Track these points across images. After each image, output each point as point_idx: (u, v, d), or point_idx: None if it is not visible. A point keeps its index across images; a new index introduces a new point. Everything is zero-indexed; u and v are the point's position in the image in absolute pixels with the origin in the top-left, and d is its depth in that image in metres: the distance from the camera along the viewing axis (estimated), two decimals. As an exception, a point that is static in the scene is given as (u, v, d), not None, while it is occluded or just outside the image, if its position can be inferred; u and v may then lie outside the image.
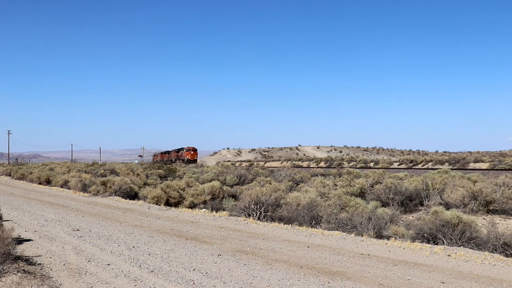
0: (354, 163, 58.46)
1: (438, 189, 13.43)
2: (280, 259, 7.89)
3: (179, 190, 16.91)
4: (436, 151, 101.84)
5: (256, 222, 12.03)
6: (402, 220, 11.56)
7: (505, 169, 30.20)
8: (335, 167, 37.15)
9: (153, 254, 8.15)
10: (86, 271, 6.91)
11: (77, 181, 23.74)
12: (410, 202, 13.05)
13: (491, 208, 11.69)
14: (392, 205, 12.50)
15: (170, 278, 6.59)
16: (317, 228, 11.18)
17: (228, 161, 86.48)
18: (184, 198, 16.22)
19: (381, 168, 37.85)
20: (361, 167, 44.95)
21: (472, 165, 42.24)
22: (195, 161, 71.70)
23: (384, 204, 12.50)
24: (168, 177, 25.45)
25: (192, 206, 15.60)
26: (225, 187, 17.93)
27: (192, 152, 73.00)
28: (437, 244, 9.08)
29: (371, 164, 55.09)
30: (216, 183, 17.51)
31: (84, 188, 22.73)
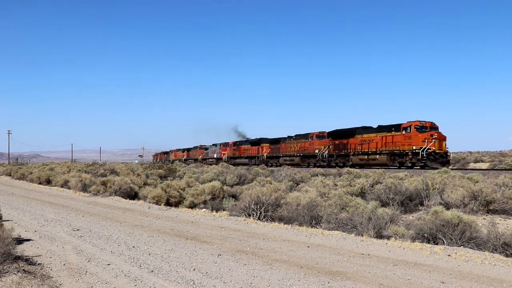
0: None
1: (438, 189, 13.42)
2: (280, 259, 7.88)
3: (179, 190, 16.90)
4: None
5: (256, 222, 12.03)
6: (402, 220, 11.56)
7: (505, 169, 30.13)
8: (335, 167, 37.02)
9: (153, 254, 8.15)
10: (86, 271, 6.90)
11: (77, 181, 23.74)
12: (410, 202, 13.04)
13: (491, 208, 11.68)
14: (392, 205, 12.49)
15: (170, 278, 6.59)
16: (317, 228, 11.18)
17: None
18: (184, 198, 16.22)
19: (381, 168, 37.61)
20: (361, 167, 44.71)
21: (472, 165, 42.14)
22: (446, 158, 28.48)
23: (384, 204, 12.49)
24: (168, 177, 25.45)
25: (192, 206, 15.60)
26: (225, 187, 17.91)
27: (435, 136, 28.12)
28: (437, 244, 9.08)
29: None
30: (216, 183, 17.50)
31: (84, 188, 22.73)
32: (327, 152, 36.60)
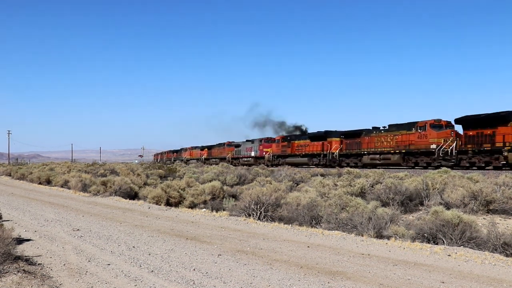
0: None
1: (438, 189, 13.42)
2: (280, 259, 7.88)
3: (179, 190, 16.90)
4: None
5: (256, 222, 12.03)
6: (402, 220, 11.55)
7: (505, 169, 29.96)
8: (335, 167, 37.06)
9: (153, 254, 8.15)
10: (86, 271, 6.91)
11: (77, 181, 23.75)
12: (410, 202, 13.03)
13: (491, 208, 11.68)
14: (392, 205, 12.49)
15: (170, 278, 6.59)
16: (317, 228, 11.18)
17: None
18: (184, 198, 16.21)
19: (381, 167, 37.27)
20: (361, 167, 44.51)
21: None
22: None
23: (384, 204, 12.49)
24: (168, 177, 25.46)
25: (192, 206, 15.59)
26: (225, 187, 17.91)
27: None
28: (437, 244, 9.08)
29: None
30: (216, 183, 17.50)
31: (84, 188, 22.73)
32: (453, 146, 26.11)
